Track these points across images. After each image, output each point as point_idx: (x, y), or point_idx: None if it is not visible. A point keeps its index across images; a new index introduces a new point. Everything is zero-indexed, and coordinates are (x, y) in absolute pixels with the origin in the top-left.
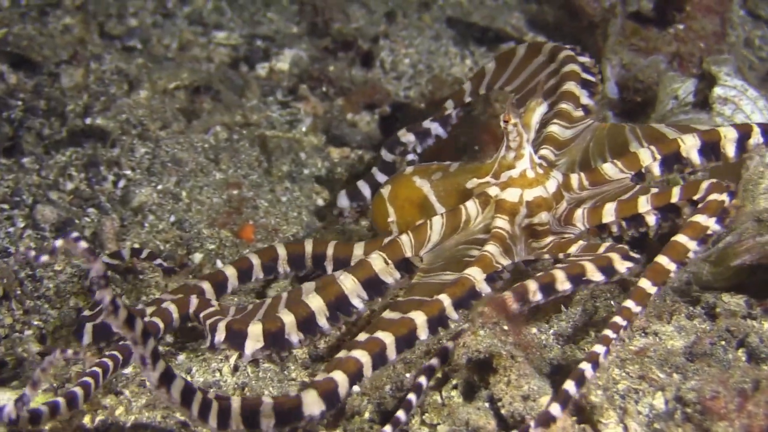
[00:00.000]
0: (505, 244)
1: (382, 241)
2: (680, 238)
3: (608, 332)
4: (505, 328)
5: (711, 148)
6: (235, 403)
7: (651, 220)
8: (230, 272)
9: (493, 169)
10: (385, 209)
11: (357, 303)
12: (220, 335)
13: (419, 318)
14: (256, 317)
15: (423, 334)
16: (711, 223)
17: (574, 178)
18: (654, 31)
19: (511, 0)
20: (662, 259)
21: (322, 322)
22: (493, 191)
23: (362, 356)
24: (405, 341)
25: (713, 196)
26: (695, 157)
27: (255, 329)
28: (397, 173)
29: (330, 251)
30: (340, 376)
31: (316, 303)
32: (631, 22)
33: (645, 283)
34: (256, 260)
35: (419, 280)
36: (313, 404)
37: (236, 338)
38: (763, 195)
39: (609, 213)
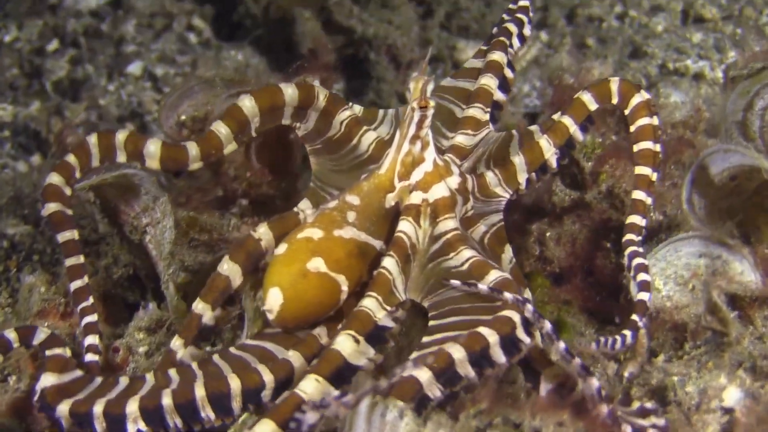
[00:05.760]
0: (468, 242)
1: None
2: None
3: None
4: None
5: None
6: None
7: (553, 162)
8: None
9: (395, 173)
10: (331, 282)
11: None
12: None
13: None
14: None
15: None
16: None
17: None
18: None
19: None
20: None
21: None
22: (417, 198)
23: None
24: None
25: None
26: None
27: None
28: (298, 243)
29: None
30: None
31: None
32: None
33: None
34: None
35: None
36: None
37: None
38: None
39: (521, 168)
